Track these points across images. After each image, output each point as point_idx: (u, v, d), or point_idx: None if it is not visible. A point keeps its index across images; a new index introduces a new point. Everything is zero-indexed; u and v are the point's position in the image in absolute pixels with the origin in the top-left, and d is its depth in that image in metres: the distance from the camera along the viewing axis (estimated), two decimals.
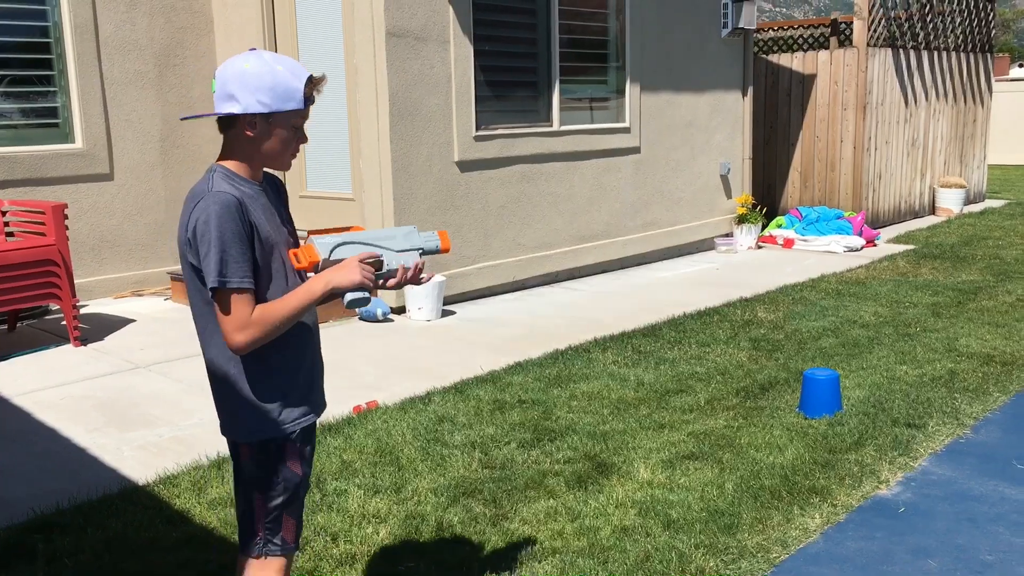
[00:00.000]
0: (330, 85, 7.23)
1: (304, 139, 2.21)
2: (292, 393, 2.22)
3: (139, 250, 7.65)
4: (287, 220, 2.31)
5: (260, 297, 2.12)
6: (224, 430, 2.26)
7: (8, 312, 6.25)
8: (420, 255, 2.29)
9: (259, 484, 2.23)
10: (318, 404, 2.33)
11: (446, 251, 2.35)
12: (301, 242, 2.26)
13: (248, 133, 2.11)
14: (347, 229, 2.30)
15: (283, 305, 2.10)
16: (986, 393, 4.87)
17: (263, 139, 2.13)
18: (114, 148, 7.43)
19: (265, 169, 2.24)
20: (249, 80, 2.06)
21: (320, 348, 2.36)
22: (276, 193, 2.31)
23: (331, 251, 2.16)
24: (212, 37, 7.93)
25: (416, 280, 2.26)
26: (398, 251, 2.25)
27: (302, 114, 2.15)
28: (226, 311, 2.05)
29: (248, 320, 2.06)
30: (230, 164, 2.15)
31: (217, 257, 2.02)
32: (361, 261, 2.14)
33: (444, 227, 7.12)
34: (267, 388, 2.18)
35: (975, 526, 3.43)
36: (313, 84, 2.14)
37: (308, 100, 2.13)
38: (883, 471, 3.90)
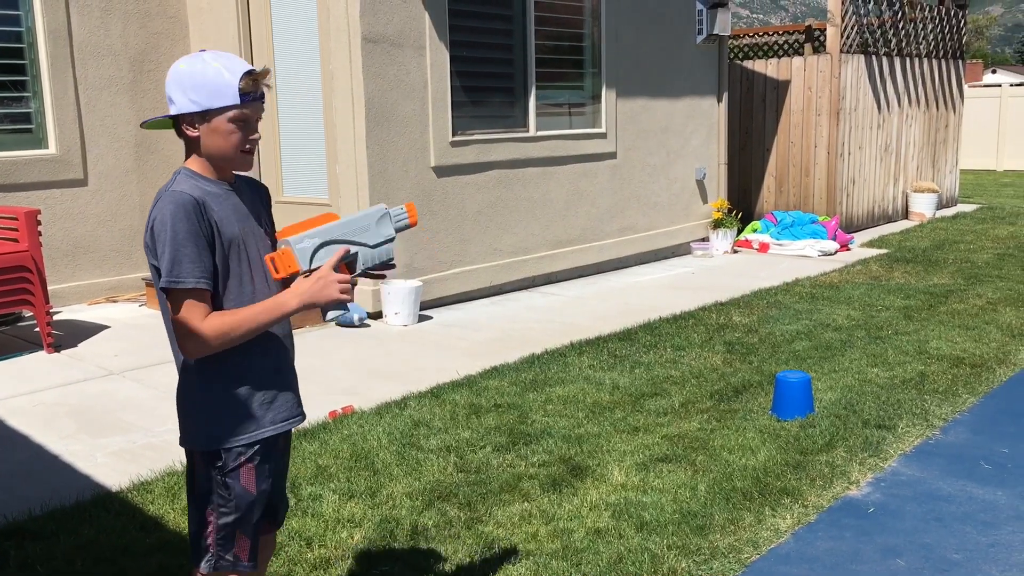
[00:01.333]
0: (306, 91, 7.23)
1: (255, 137, 2.14)
2: (250, 403, 2.16)
3: (113, 256, 7.61)
4: (267, 223, 2.27)
5: (218, 298, 2.09)
6: (181, 439, 2.21)
7: None
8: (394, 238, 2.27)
9: (211, 498, 2.18)
10: (285, 416, 2.25)
11: (414, 224, 2.31)
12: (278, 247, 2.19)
13: (189, 133, 2.10)
14: (320, 219, 2.18)
15: (248, 316, 2.07)
16: (955, 395, 4.94)
17: (206, 138, 2.09)
18: (88, 154, 7.39)
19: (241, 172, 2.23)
20: (183, 80, 2.06)
21: (290, 357, 2.30)
22: (255, 194, 2.28)
23: (311, 259, 2.12)
24: (187, 43, 7.91)
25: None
26: (373, 246, 2.21)
27: (241, 109, 2.08)
28: (176, 312, 2.03)
29: (199, 324, 2.02)
30: (193, 164, 2.14)
31: (170, 257, 2.00)
32: (337, 263, 2.11)
33: (421, 232, 7.13)
34: (222, 396, 2.14)
35: (943, 525, 3.49)
36: (254, 78, 2.08)
37: (247, 95, 2.07)
38: (853, 472, 3.95)
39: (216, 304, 2.09)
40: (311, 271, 2.11)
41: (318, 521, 3.50)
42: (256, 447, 2.18)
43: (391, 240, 2.24)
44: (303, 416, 2.32)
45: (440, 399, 4.94)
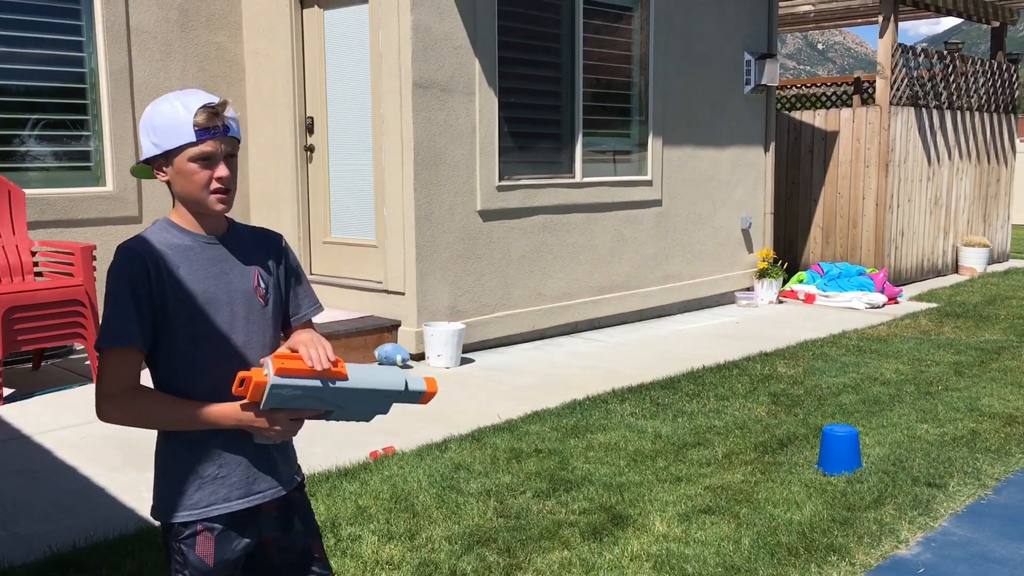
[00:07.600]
0: (356, 133, 7.36)
1: (222, 174, 1.95)
2: (212, 473, 2.00)
3: None
4: (275, 276, 2.09)
5: (163, 356, 1.98)
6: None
7: (33, 351, 6.33)
8: (391, 402, 1.98)
9: (171, 569, 2.02)
10: (260, 489, 2.05)
11: (431, 394, 2.01)
12: (267, 362, 1.91)
13: (160, 178, 1.98)
14: (332, 370, 1.91)
15: (171, 408, 1.95)
16: (1008, 454, 4.81)
17: (174, 182, 1.96)
18: (144, 192, 7.56)
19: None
20: (144, 123, 1.97)
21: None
22: (259, 248, 2.09)
23: (278, 401, 1.89)
24: (243, 86, 8.10)
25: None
26: (352, 411, 1.98)
27: (199, 146, 1.92)
28: (99, 370, 1.92)
29: (118, 390, 1.91)
30: (173, 214, 2.02)
31: (104, 315, 1.92)
32: (294, 419, 1.94)
33: (465, 275, 7.17)
34: (181, 465, 2.00)
35: None
36: (211, 112, 1.92)
37: (204, 131, 1.92)
38: (902, 530, 3.85)
39: (158, 359, 1.99)
40: (273, 409, 1.91)
41: (357, 562, 3.49)
42: (214, 519, 2.00)
43: (390, 396, 2.00)
44: (281, 489, 2.08)
45: (481, 442, 4.93)
